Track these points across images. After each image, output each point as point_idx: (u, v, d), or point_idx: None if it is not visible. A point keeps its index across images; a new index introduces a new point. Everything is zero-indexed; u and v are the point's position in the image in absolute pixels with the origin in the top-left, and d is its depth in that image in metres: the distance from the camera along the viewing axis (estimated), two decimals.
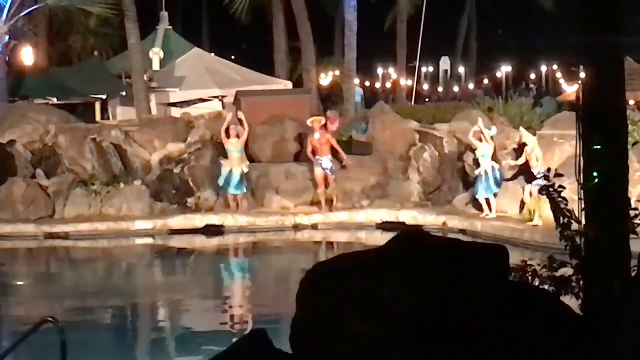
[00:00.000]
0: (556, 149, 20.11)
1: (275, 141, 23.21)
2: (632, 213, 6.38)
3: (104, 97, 31.09)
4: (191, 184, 22.55)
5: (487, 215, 20.06)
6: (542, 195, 17.35)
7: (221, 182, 21.62)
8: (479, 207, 20.51)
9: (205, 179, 22.48)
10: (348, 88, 31.25)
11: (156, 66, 32.61)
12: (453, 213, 20.90)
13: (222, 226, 21.08)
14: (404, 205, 21.67)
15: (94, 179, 21.92)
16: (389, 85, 55.32)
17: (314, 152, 21.67)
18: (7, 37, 28.00)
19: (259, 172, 22.29)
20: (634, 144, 19.08)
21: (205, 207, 22.09)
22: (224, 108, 28.67)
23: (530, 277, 6.31)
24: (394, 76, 46.55)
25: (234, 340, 5.54)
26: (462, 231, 19.78)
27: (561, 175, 7.30)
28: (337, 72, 43.01)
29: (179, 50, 34.03)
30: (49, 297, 16.04)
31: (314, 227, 21.27)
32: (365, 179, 22.31)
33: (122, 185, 21.93)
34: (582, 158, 6.31)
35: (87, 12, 32.08)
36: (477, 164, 20.62)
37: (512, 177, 20.30)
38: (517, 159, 20.24)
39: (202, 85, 31.37)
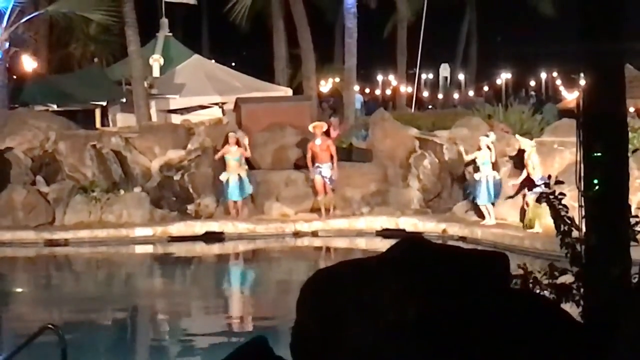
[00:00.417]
0: (556, 156, 20.10)
1: (275, 148, 23.23)
2: (633, 220, 6.38)
3: (104, 103, 31.09)
4: (191, 190, 22.55)
5: (487, 222, 20.04)
6: (539, 204, 17.27)
7: (225, 191, 21.65)
8: (479, 214, 20.50)
9: (205, 185, 22.48)
10: (348, 95, 31.26)
11: (156, 73, 32.59)
12: (453, 220, 20.90)
13: (222, 233, 21.08)
14: (404, 212, 21.68)
15: (94, 185, 21.92)
16: (388, 92, 55.40)
17: (314, 158, 21.68)
18: (7, 44, 28.02)
19: (259, 178, 22.29)
20: (634, 151, 19.06)
21: (205, 214, 22.10)
22: (224, 115, 28.68)
23: (530, 284, 6.30)
24: (394, 83, 46.64)
25: (235, 347, 5.52)
26: (462, 238, 19.77)
27: (561, 183, 7.31)
28: (337, 79, 43.05)
29: (179, 56, 34.03)
30: (49, 304, 16.04)
31: (314, 234, 21.28)
32: (365, 185, 22.32)
33: (122, 192, 21.94)
34: (582, 165, 6.31)
35: (87, 19, 32.05)
36: (477, 170, 20.62)
37: (515, 194, 20.22)
38: (516, 166, 20.21)
39: (202, 92, 31.36)
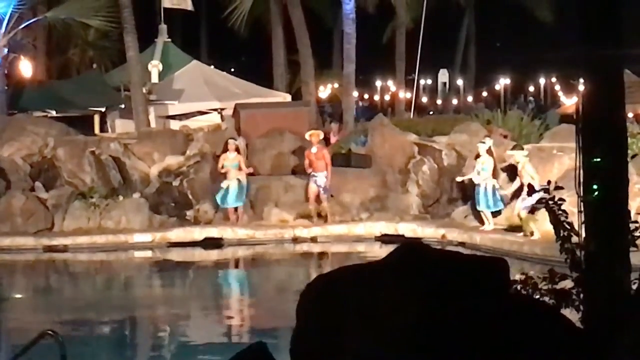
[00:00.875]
0: (555, 162, 20.09)
1: (274, 154, 23.23)
2: (632, 226, 6.38)
3: (103, 109, 31.13)
4: (190, 196, 22.55)
5: (486, 227, 20.02)
6: (532, 214, 17.31)
7: (218, 198, 21.61)
8: (478, 219, 20.49)
9: (204, 191, 22.47)
10: (347, 100, 31.28)
11: (155, 78, 32.62)
12: (452, 225, 20.88)
13: (221, 239, 21.06)
14: (403, 218, 21.68)
15: (93, 191, 21.91)
16: (387, 97, 55.43)
17: (310, 166, 21.64)
18: (5, 50, 28.07)
19: (258, 184, 22.29)
20: (633, 157, 19.07)
21: (204, 220, 22.09)
22: (222, 120, 28.71)
23: (530, 290, 6.29)
24: (393, 88, 46.66)
25: (234, 353, 5.52)
26: (462, 244, 19.73)
27: (561, 188, 7.31)
28: (336, 85, 43.09)
29: (178, 62, 34.06)
30: (48, 310, 16.02)
31: (313, 239, 21.25)
32: (364, 191, 22.31)
33: (120, 197, 21.93)
34: (581, 171, 6.31)
35: (86, 25, 32.14)
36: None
37: (509, 202, 20.18)
38: (511, 180, 20.19)
39: (200, 97, 31.39)
